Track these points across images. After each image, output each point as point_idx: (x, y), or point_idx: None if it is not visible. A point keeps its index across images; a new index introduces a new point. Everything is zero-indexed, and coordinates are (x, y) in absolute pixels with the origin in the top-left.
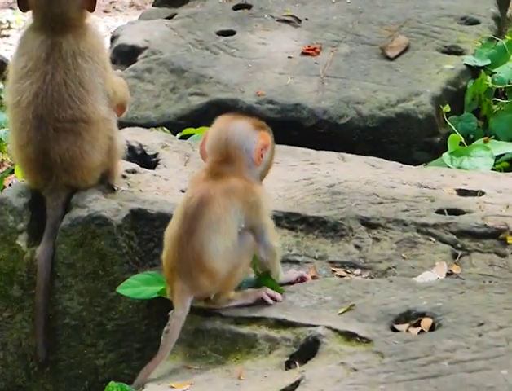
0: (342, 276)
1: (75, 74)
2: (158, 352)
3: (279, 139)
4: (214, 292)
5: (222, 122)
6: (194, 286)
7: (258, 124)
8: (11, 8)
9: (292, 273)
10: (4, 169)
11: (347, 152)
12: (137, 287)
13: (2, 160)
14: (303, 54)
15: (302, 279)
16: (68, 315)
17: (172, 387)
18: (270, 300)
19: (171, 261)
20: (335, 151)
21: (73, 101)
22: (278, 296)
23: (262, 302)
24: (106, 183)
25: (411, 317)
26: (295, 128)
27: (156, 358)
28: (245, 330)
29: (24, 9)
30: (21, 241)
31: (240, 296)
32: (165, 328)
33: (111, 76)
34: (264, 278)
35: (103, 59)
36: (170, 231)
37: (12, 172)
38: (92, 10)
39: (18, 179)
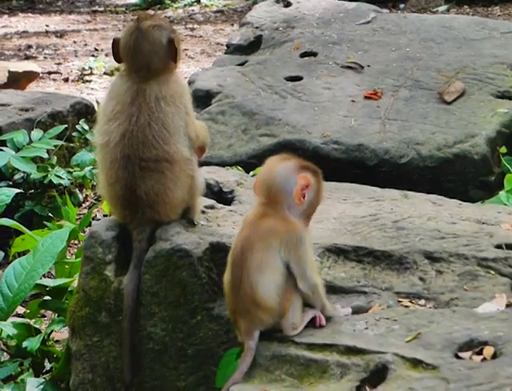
0: (407, 306)
1: (158, 116)
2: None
3: (343, 177)
4: (276, 322)
5: (268, 164)
6: (256, 322)
7: (301, 165)
8: (93, 56)
9: (340, 309)
10: (88, 203)
11: (407, 190)
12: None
13: (86, 195)
14: (366, 98)
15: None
16: (151, 340)
17: None
18: (317, 324)
19: (231, 305)
20: (396, 188)
21: (157, 142)
22: (323, 322)
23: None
24: (187, 218)
25: (474, 345)
26: (358, 167)
27: (234, 376)
28: (318, 356)
29: (118, 61)
30: (109, 271)
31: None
32: (243, 354)
33: (193, 120)
34: None
35: (185, 104)
36: (226, 278)
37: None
38: (176, 61)
39: (102, 213)
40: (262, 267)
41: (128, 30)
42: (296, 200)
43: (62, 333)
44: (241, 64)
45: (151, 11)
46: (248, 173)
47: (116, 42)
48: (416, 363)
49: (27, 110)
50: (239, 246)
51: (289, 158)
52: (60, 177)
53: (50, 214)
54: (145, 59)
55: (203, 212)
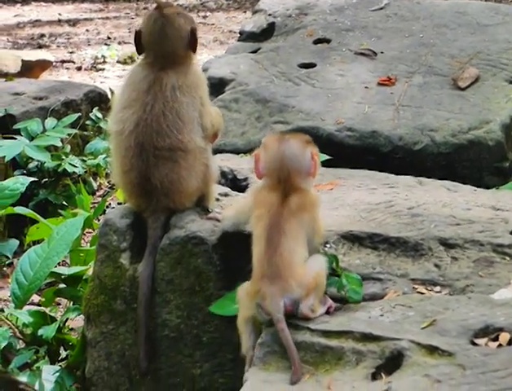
0: (422, 293)
1: (172, 106)
2: (289, 356)
3: (357, 164)
4: (299, 297)
5: (274, 144)
6: (284, 288)
7: (305, 139)
8: (106, 44)
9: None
10: (102, 191)
11: (422, 176)
12: (228, 306)
13: (100, 183)
14: (379, 84)
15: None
16: (167, 328)
17: None
18: (331, 311)
19: (261, 270)
20: (410, 175)
21: (171, 131)
22: (332, 309)
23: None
24: (201, 206)
25: (489, 332)
26: (372, 153)
27: (294, 361)
28: (333, 343)
29: (140, 52)
30: (124, 259)
31: (321, 306)
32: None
33: (209, 110)
34: (347, 277)
35: (200, 94)
36: (257, 247)
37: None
38: (195, 50)
39: (116, 201)
40: (299, 239)
41: (151, 18)
42: (314, 175)
43: (77, 321)
44: (254, 52)
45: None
46: None
47: (138, 33)
48: (431, 350)
49: (41, 98)
50: (273, 221)
51: (289, 136)
52: (74, 166)
53: (64, 203)
54: (171, 45)
55: (217, 199)
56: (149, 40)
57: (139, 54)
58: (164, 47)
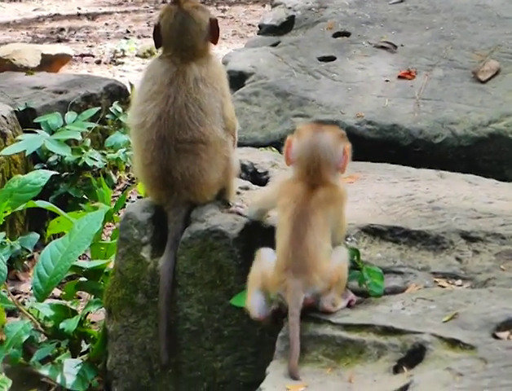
0: (444, 286)
1: (195, 98)
2: (290, 349)
3: (378, 157)
4: (321, 291)
5: (309, 133)
6: (307, 281)
7: (339, 133)
8: (125, 38)
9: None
10: (122, 185)
11: (442, 170)
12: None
13: (120, 177)
14: (399, 77)
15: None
16: (188, 321)
17: (288, 389)
18: (352, 305)
19: (285, 262)
20: (430, 168)
21: (193, 123)
22: (353, 303)
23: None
24: (222, 199)
25: (511, 325)
26: (393, 147)
27: (291, 355)
28: (354, 336)
29: (158, 46)
30: (145, 253)
31: (342, 299)
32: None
33: (230, 102)
34: (368, 271)
35: (222, 86)
36: (282, 238)
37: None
38: (215, 43)
39: (136, 195)
40: (324, 232)
41: (170, 13)
42: (343, 171)
43: (98, 314)
44: (274, 45)
45: None
46: (282, 153)
47: (157, 27)
48: (453, 343)
49: (61, 92)
50: (299, 212)
51: (324, 127)
52: (94, 160)
53: (84, 196)
54: (191, 39)
55: (238, 193)
56: (169, 34)
57: (157, 48)
58: (184, 41)
